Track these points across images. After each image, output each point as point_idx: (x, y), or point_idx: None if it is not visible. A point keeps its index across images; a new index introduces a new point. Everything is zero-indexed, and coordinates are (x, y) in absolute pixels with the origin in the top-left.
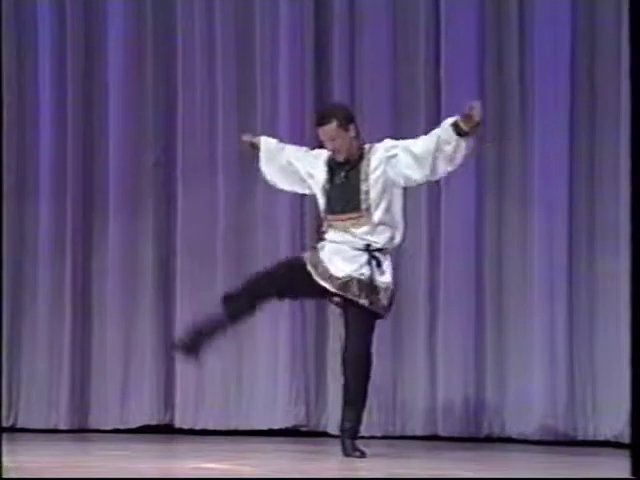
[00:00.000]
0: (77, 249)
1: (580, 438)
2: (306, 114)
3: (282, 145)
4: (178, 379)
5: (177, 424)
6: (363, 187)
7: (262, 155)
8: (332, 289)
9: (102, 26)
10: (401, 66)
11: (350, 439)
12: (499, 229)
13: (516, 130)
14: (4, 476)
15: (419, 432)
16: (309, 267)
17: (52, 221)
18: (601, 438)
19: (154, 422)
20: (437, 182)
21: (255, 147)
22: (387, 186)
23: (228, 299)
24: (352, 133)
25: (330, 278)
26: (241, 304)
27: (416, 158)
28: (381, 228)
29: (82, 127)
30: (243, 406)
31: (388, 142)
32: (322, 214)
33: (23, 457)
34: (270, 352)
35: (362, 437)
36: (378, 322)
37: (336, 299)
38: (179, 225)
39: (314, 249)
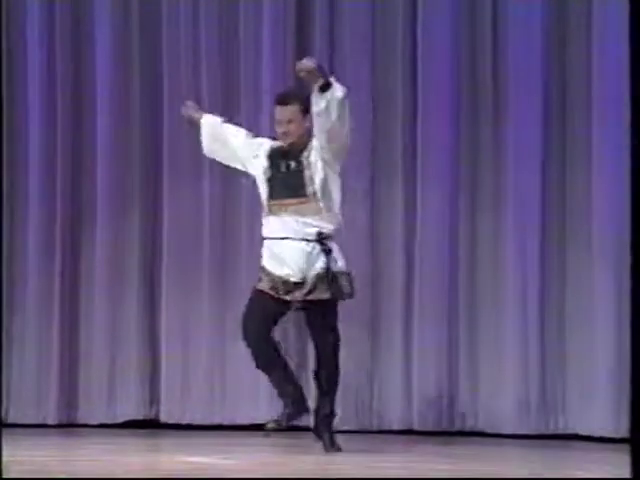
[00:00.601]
0: (66, 248)
1: (551, 432)
2: None
3: (226, 125)
4: (163, 375)
5: (163, 419)
6: (307, 173)
7: (203, 132)
8: (301, 298)
9: (89, 28)
10: (380, 57)
11: (329, 432)
12: (473, 231)
13: (489, 136)
14: (4, 475)
15: (395, 427)
16: (270, 292)
17: (41, 220)
18: (570, 432)
19: (140, 417)
20: (414, 199)
21: (194, 123)
22: (326, 172)
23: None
24: (307, 123)
25: (297, 287)
26: (263, 358)
27: (322, 136)
28: (327, 215)
29: (70, 131)
30: (227, 401)
31: None
32: (263, 200)
33: (18, 452)
34: None
35: (339, 431)
36: (359, 320)
37: (298, 304)
38: (165, 224)
39: (262, 269)
